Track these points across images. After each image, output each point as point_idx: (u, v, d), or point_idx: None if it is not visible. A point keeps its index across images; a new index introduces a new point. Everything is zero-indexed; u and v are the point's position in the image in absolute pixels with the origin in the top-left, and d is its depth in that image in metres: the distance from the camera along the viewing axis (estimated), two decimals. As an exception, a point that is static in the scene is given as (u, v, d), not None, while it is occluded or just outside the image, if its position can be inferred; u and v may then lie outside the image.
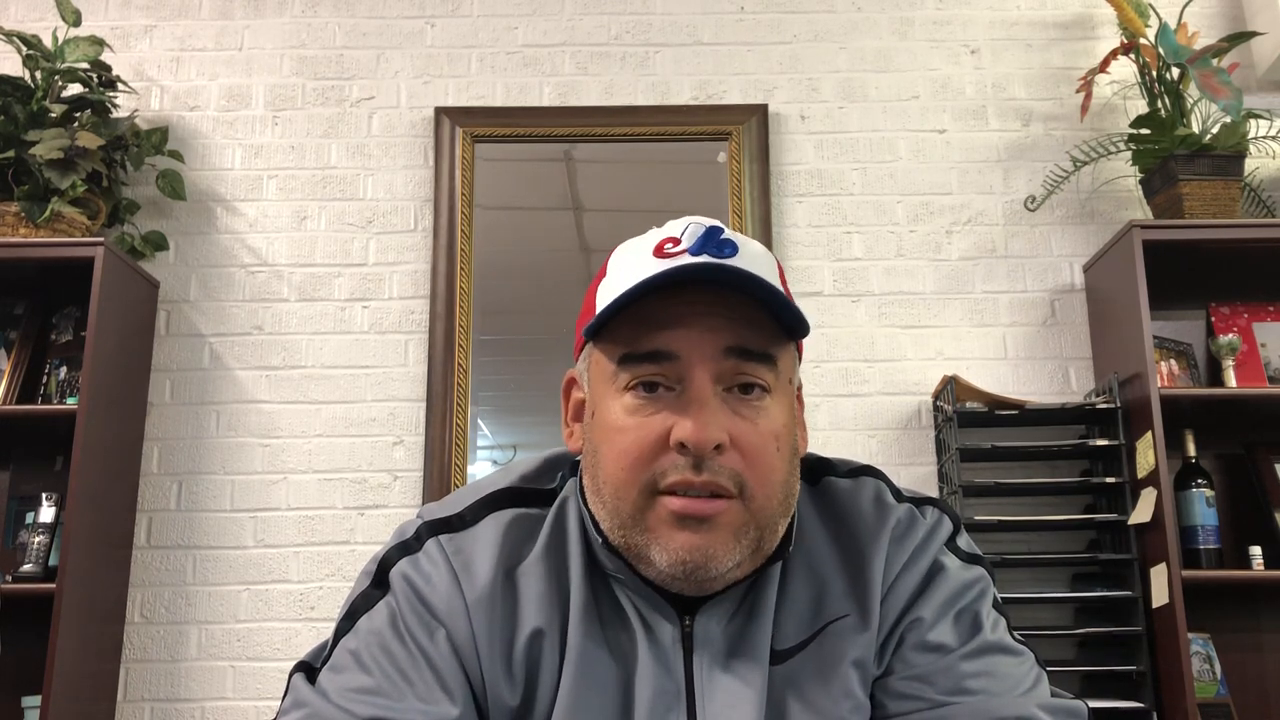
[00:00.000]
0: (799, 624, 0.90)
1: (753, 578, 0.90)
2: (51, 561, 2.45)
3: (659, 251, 0.88)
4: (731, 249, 0.87)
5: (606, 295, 0.88)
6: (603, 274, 0.92)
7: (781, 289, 0.88)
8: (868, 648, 0.89)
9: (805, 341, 0.94)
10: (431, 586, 0.90)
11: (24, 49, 2.64)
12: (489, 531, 0.93)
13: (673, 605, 0.89)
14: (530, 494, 0.96)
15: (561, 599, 0.90)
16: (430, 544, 0.92)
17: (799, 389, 0.96)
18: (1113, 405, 2.52)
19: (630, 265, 0.89)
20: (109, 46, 2.76)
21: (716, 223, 0.90)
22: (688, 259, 0.86)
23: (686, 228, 0.89)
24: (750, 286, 0.84)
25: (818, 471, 0.98)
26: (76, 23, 2.69)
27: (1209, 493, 2.47)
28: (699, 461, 0.83)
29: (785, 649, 0.90)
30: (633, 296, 0.85)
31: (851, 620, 0.90)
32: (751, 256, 0.88)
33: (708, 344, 0.85)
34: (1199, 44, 2.71)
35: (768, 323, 0.86)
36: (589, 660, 0.88)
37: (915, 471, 2.66)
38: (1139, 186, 2.75)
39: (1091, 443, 2.55)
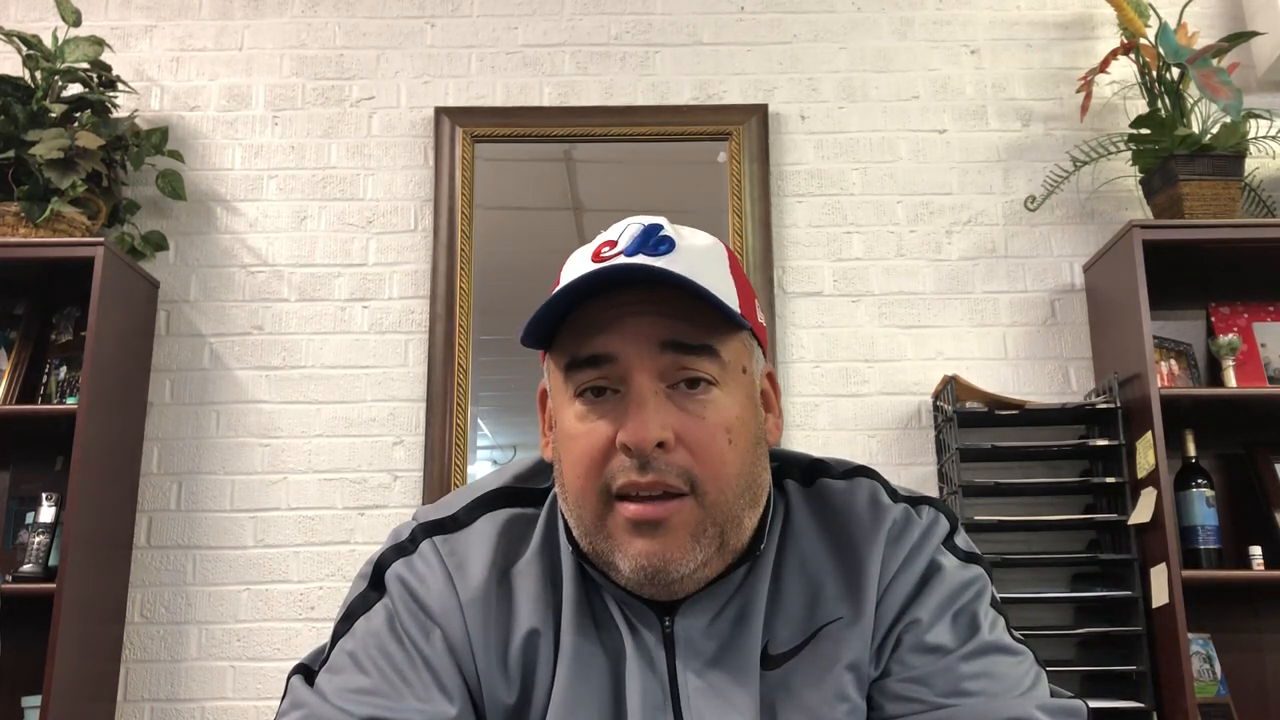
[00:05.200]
0: (793, 628, 0.90)
1: (741, 579, 0.90)
2: (51, 561, 2.45)
3: (596, 256, 0.88)
4: (668, 246, 0.87)
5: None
6: (556, 283, 0.92)
7: (727, 281, 0.88)
8: (863, 650, 0.89)
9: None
10: (426, 587, 0.90)
11: (24, 49, 2.64)
12: (483, 532, 0.93)
13: (653, 606, 0.89)
14: (524, 493, 0.97)
15: (555, 599, 0.90)
16: (425, 545, 0.93)
17: (769, 376, 0.95)
18: (1113, 405, 2.52)
19: (572, 273, 0.89)
20: (109, 46, 2.76)
21: (658, 221, 0.90)
22: (621, 260, 0.86)
23: (625, 229, 0.89)
24: (680, 282, 0.84)
25: (812, 473, 0.97)
26: (76, 23, 2.69)
27: (1209, 493, 2.47)
28: (644, 462, 0.83)
29: (780, 653, 0.89)
30: (558, 302, 0.85)
31: (846, 622, 0.89)
32: (690, 251, 0.88)
33: (643, 342, 0.85)
34: (1199, 44, 2.71)
35: (708, 315, 0.86)
36: (582, 659, 0.88)
37: (915, 471, 2.66)
38: (1139, 186, 2.75)
39: (1091, 443, 2.55)
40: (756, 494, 0.88)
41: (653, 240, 0.87)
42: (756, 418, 0.90)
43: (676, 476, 0.83)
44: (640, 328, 0.85)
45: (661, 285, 0.85)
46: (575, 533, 0.89)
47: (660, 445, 0.83)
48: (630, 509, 0.84)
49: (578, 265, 0.89)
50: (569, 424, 0.88)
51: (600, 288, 0.85)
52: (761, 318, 0.96)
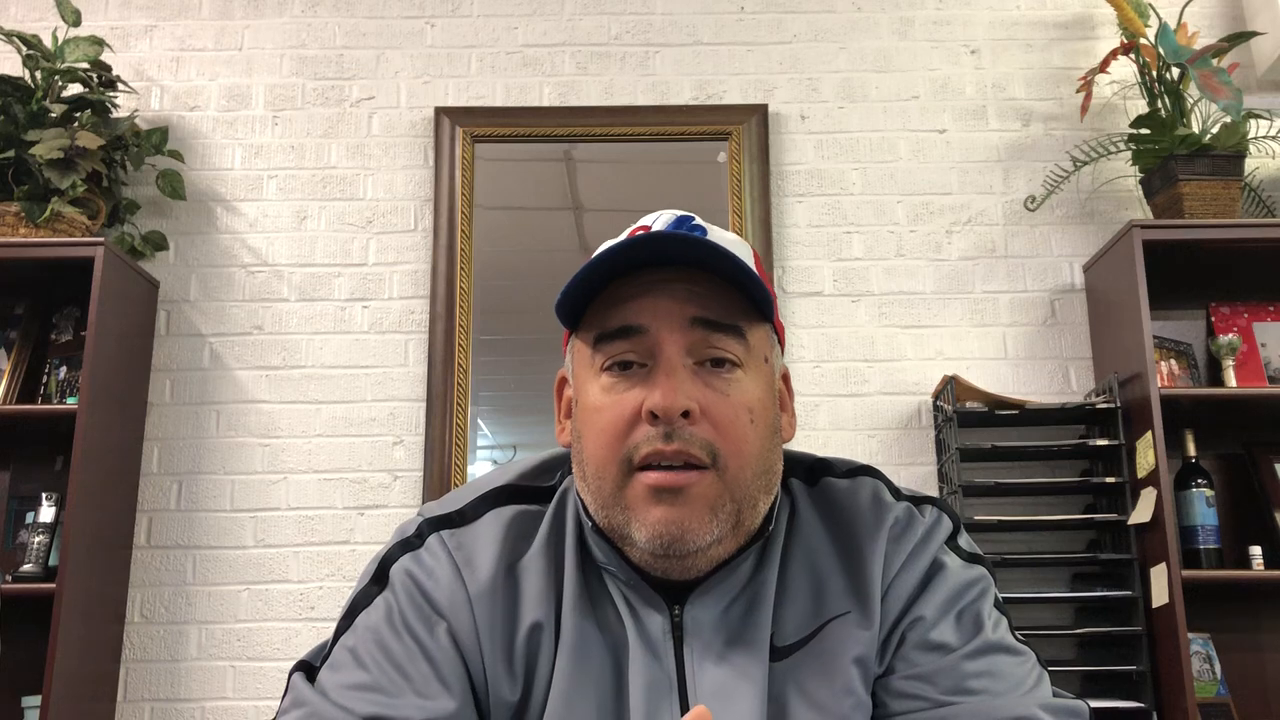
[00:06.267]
0: (800, 620, 0.90)
1: (751, 571, 0.90)
2: (51, 561, 2.45)
3: (631, 238, 0.90)
4: (701, 232, 0.90)
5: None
6: None
7: (751, 268, 0.90)
8: (869, 646, 0.89)
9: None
10: (434, 580, 0.91)
11: (24, 49, 2.64)
12: (490, 527, 0.93)
13: (663, 595, 0.89)
14: (529, 491, 0.97)
15: (557, 591, 0.91)
16: (432, 539, 0.93)
17: (785, 377, 0.97)
18: (1113, 405, 2.52)
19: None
20: (109, 46, 2.76)
21: (689, 213, 0.93)
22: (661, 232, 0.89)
23: (660, 216, 0.93)
24: (714, 261, 0.86)
25: (816, 472, 0.98)
26: (76, 23, 2.69)
27: (1209, 493, 2.47)
28: (669, 431, 0.84)
29: (786, 645, 0.90)
30: (593, 272, 0.87)
31: (852, 618, 0.90)
32: (721, 239, 0.91)
33: (674, 315, 0.86)
34: (1199, 44, 2.71)
35: (737, 298, 0.88)
36: (582, 650, 0.88)
37: (915, 471, 2.66)
38: (1139, 186, 2.75)
39: (1091, 443, 2.55)
40: (770, 480, 0.90)
41: (687, 226, 0.90)
42: (774, 407, 0.92)
43: (699, 448, 0.85)
44: (672, 303, 0.87)
45: (693, 267, 0.87)
46: (592, 508, 0.89)
47: (685, 415, 0.84)
48: (651, 476, 0.85)
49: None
50: (594, 397, 0.89)
51: (634, 265, 0.87)
52: (781, 318, 0.97)
